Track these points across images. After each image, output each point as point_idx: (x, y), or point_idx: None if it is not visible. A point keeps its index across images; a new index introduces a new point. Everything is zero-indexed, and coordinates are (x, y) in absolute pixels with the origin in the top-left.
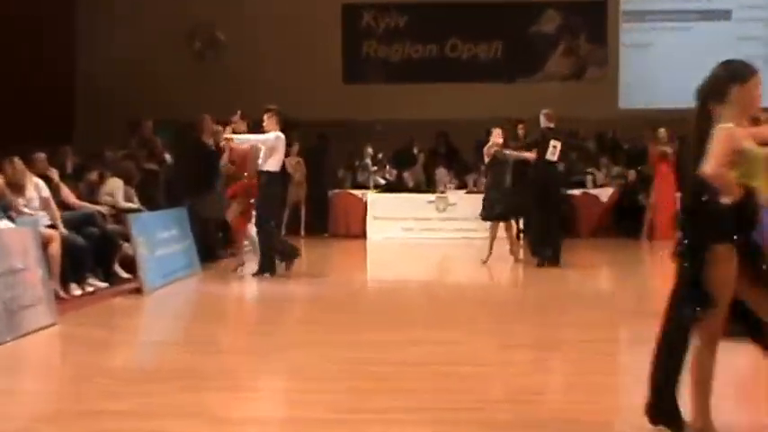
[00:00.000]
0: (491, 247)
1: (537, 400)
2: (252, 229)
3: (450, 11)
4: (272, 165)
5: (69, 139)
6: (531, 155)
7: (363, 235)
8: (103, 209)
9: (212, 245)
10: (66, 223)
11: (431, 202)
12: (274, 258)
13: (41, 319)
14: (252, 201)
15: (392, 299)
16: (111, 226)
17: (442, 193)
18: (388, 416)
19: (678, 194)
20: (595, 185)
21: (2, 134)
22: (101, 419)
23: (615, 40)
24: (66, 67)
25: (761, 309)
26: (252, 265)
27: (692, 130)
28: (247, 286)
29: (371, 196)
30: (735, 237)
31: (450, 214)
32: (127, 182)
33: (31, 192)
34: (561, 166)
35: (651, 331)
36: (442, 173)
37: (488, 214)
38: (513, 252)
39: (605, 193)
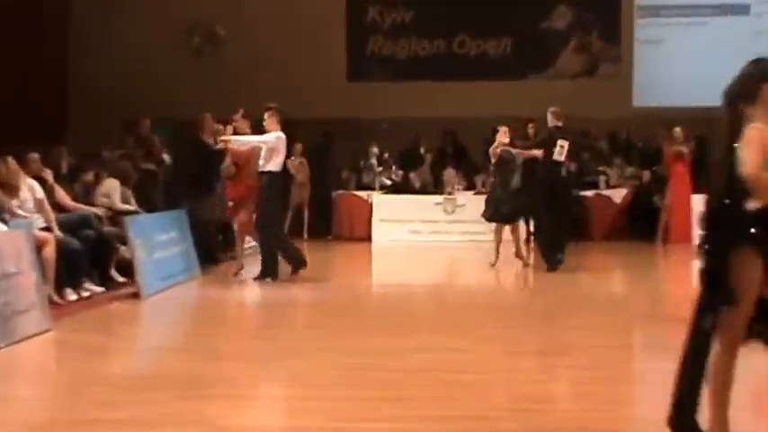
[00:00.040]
0: (498, 250)
1: (544, 408)
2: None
3: (459, 6)
4: (274, 165)
5: (64, 139)
6: (537, 152)
7: (368, 238)
8: (99, 211)
9: (212, 248)
10: (61, 226)
11: (438, 203)
12: (277, 262)
13: (35, 325)
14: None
15: (397, 304)
16: (107, 228)
17: (450, 194)
18: (390, 424)
19: (694, 196)
20: (608, 186)
21: None
22: (96, 428)
23: (629, 36)
24: (59, 64)
25: None
26: (253, 268)
27: (720, 131)
28: (248, 291)
29: (377, 198)
30: (760, 239)
31: (459, 216)
32: (124, 183)
33: (25, 193)
34: (573, 167)
35: (666, 337)
36: (450, 173)
37: (494, 215)
38: (519, 256)
39: (618, 194)
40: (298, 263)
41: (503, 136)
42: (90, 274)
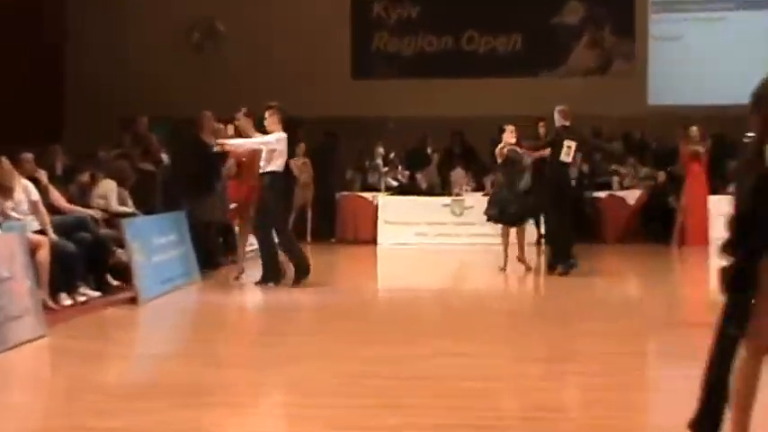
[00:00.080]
0: (507, 254)
1: (555, 417)
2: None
3: (467, 1)
4: (275, 166)
5: (59, 138)
6: (545, 153)
7: (373, 241)
8: (96, 213)
9: (212, 251)
10: (56, 228)
11: (446, 205)
12: (278, 265)
13: (29, 331)
14: None
15: (403, 309)
16: (103, 231)
17: (458, 195)
18: None
19: (711, 197)
20: (622, 187)
21: None
22: None
23: (643, 31)
24: (54, 61)
25: None
26: (255, 272)
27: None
28: (249, 295)
29: (382, 199)
30: None
31: (467, 218)
32: (121, 183)
33: (19, 194)
34: (585, 167)
35: (682, 343)
36: (458, 174)
37: (500, 216)
38: (521, 260)
39: (633, 196)
40: (302, 270)
41: (509, 135)
42: (86, 278)
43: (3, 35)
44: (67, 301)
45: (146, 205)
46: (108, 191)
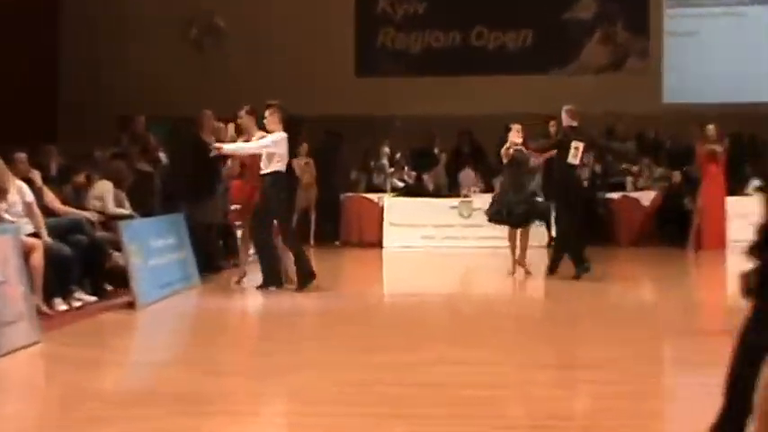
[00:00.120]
0: (514, 257)
1: (566, 426)
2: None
3: None
4: (276, 167)
5: (53, 138)
6: (552, 154)
7: (379, 243)
8: (91, 215)
9: (213, 254)
10: (51, 231)
11: (453, 207)
12: (278, 269)
13: (23, 337)
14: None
15: (409, 314)
16: (100, 234)
17: (466, 197)
18: None
19: (728, 198)
20: (636, 188)
21: None
22: None
23: (658, 27)
24: (48, 58)
25: None
26: (257, 276)
27: None
28: (250, 300)
29: (388, 200)
30: None
31: (475, 221)
32: (117, 184)
33: (13, 196)
34: (598, 168)
35: (698, 350)
36: (467, 175)
37: (507, 218)
38: (521, 263)
39: (647, 197)
40: (307, 274)
41: (515, 135)
42: (81, 282)
43: None
44: (62, 307)
45: (144, 207)
46: (104, 192)
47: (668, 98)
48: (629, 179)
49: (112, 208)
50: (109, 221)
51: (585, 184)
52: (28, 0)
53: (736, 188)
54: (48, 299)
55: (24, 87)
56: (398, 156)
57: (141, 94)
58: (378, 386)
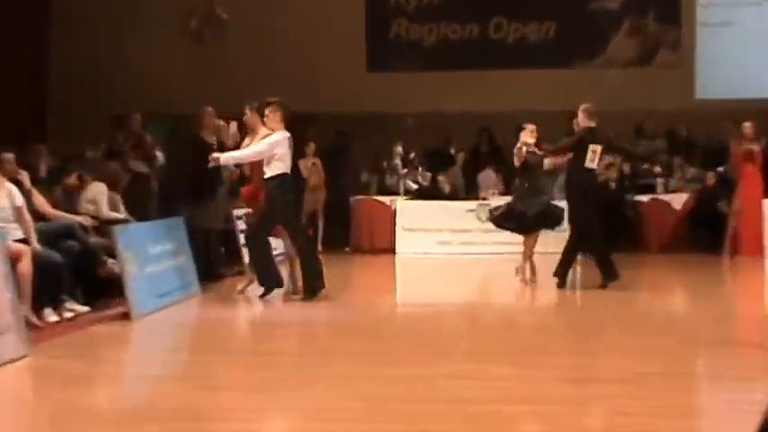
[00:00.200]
0: (532, 263)
1: None
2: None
3: None
4: (280, 169)
5: (43, 138)
6: (562, 159)
7: (391, 249)
8: (84, 219)
9: (213, 261)
10: (41, 237)
11: (471, 210)
12: (274, 271)
13: (10, 350)
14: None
15: (423, 326)
16: (93, 239)
17: (484, 200)
18: None
19: (766, 200)
20: (667, 190)
21: None
22: None
23: (690, 17)
24: (37, 53)
25: None
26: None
27: None
28: (253, 310)
29: (401, 204)
30: None
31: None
32: (112, 186)
33: (2, 199)
34: (627, 168)
35: (732, 364)
36: (488, 176)
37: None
38: (521, 269)
39: (679, 200)
40: (313, 285)
41: (527, 135)
42: (73, 291)
43: None
44: (53, 317)
45: (140, 210)
46: (97, 195)
47: (701, 93)
48: (660, 180)
49: (106, 212)
50: (103, 226)
51: (613, 186)
52: None
53: None
54: (37, 309)
55: (11, 85)
56: (412, 156)
57: (139, 92)
58: (388, 402)
